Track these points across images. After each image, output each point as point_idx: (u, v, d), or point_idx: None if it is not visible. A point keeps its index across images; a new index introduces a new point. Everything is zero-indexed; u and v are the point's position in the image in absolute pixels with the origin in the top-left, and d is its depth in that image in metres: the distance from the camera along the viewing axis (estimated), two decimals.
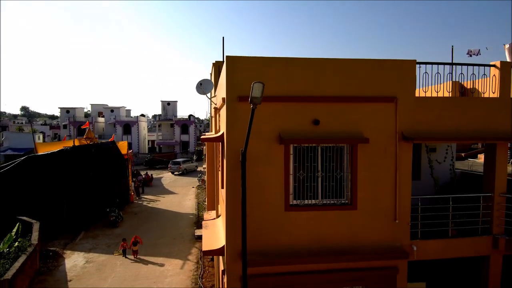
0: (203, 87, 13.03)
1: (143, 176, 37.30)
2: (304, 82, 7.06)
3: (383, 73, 7.30)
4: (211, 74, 16.02)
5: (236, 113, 6.92)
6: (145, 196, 32.10)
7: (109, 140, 31.18)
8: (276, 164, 7.16)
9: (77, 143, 25.21)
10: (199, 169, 47.10)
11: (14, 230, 16.76)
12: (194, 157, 55.60)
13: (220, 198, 9.77)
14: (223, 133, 7.59)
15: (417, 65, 7.55)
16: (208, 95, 13.28)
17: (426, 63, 7.67)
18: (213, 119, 13.90)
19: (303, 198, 7.36)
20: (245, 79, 6.75)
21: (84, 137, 28.60)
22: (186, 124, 65.15)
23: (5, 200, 19.91)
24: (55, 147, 25.13)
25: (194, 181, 39.57)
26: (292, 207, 7.26)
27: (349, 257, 7.19)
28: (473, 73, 7.92)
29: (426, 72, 7.67)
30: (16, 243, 15.34)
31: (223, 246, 7.23)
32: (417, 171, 10.41)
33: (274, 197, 7.17)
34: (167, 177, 43.81)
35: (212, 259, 16.55)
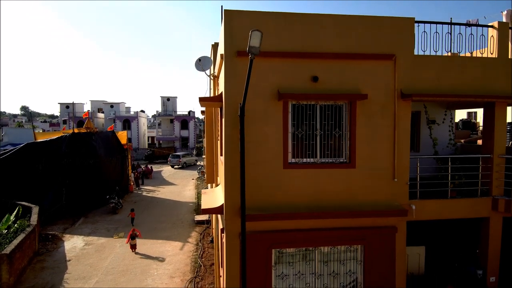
0: (202, 63, 13.03)
1: (143, 169, 37.32)
2: (303, 38, 7.05)
3: (381, 31, 7.28)
4: (210, 56, 16.03)
5: (235, 68, 6.90)
6: (145, 187, 32.09)
7: (108, 129, 31.21)
8: (275, 121, 7.14)
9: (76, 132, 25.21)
10: (199, 163, 47.08)
11: (14, 213, 16.76)
12: (194, 152, 55.60)
13: (219, 166, 9.77)
14: (221, 92, 7.57)
15: (416, 24, 7.54)
16: (207, 72, 13.30)
17: (424, 22, 7.66)
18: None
19: (302, 156, 7.35)
20: (243, 34, 6.72)
21: (84, 127, 28.56)
22: (186, 119, 65.08)
23: (5, 186, 19.93)
24: (54, 136, 25.12)
25: (194, 173, 39.55)
26: (291, 165, 7.25)
27: (347, 213, 7.16)
28: (471, 34, 7.91)
29: (424, 31, 7.65)
30: (15, 225, 15.34)
31: (222, 204, 7.21)
32: (416, 143, 10.42)
33: (273, 155, 7.16)
34: (166, 171, 43.79)
35: (212, 241, 16.54)
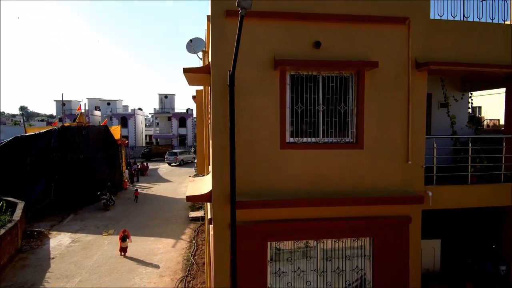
0: (193, 44, 12.12)
1: (139, 166, 36.35)
2: None
3: None
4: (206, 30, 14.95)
5: (223, 31, 5.95)
6: (140, 184, 31.12)
7: (101, 124, 30.25)
8: (270, 94, 6.17)
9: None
10: (196, 160, 46.09)
11: None
12: (192, 149, 54.60)
13: (210, 152, 8.80)
14: (209, 63, 6.62)
15: None
16: (199, 54, 12.34)
17: None
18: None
19: (302, 135, 6.38)
20: None
21: (77, 121, 27.56)
22: (184, 117, 64.18)
23: None
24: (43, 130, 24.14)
25: (191, 171, 38.55)
26: (289, 145, 6.29)
27: (353, 200, 6.20)
28: None
29: None
30: None
31: (210, 191, 6.25)
32: (428, 128, 9.45)
33: (268, 133, 6.19)
34: (163, 168, 42.87)
35: None
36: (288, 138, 6.33)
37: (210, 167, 8.55)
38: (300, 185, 6.26)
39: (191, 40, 11.94)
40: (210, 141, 6.48)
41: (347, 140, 6.48)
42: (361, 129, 6.41)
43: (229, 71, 5.50)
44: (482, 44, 6.80)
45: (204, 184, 7.32)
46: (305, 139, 6.38)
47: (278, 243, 6.33)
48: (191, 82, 7.98)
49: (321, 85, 6.34)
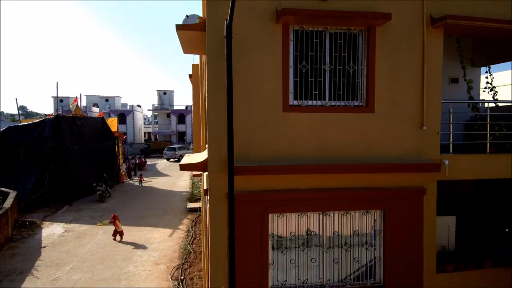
0: (189, 21, 11.53)
1: (137, 161, 35.76)
2: None
3: None
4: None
5: None
6: (137, 178, 30.50)
7: (98, 116, 29.68)
8: (272, 51, 5.61)
9: None
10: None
11: None
12: (191, 146, 54.03)
13: (205, 122, 8.24)
14: (204, 19, 6.06)
15: None
16: None
17: None
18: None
19: (307, 97, 5.82)
20: None
21: (72, 113, 26.97)
22: (183, 114, 63.60)
23: None
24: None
25: None
26: (293, 108, 5.73)
27: (362, 167, 5.64)
28: None
29: None
30: None
31: (206, 159, 5.68)
32: None
33: (270, 94, 5.63)
34: (161, 163, 42.31)
35: None
36: (292, 101, 5.78)
37: (207, 145, 7.99)
38: (305, 151, 5.70)
39: (187, 16, 11.33)
40: (206, 103, 5.91)
41: (356, 103, 5.92)
42: (371, 91, 5.85)
43: (226, 20, 4.94)
44: (497, 6, 6.23)
45: (200, 156, 6.76)
46: (310, 102, 5.82)
47: (280, 215, 5.76)
48: (186, 48, 7.43)
49: (328, 42, 5.79)
